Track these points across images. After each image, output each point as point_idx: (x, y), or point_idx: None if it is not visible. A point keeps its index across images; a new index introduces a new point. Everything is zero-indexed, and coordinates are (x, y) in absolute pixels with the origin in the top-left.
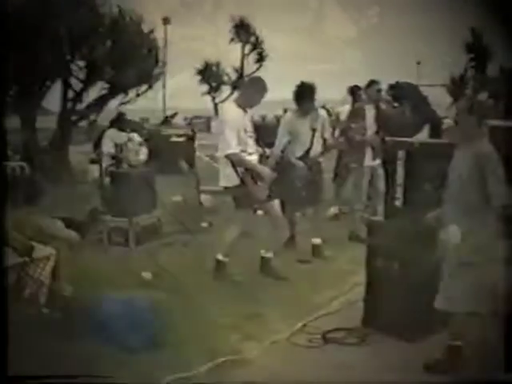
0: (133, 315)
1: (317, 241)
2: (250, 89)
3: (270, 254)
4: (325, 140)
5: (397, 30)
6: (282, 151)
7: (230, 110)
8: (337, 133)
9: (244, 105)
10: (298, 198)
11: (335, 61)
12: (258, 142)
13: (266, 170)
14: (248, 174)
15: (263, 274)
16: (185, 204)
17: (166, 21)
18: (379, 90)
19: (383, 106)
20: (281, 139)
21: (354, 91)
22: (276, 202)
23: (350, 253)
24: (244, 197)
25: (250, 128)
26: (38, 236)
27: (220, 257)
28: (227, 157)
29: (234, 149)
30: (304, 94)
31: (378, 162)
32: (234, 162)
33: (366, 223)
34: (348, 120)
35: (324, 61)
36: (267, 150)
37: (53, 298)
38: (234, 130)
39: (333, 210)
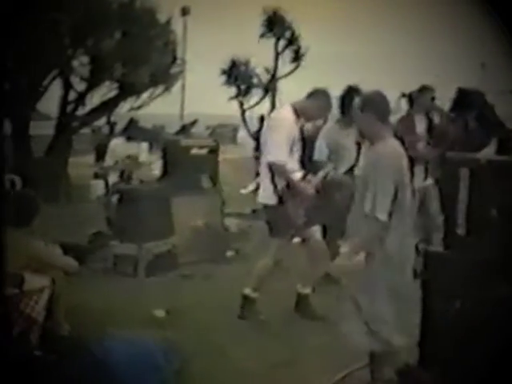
0: (141, 359)
1: None
2: (313, 101)
3: (307, 290)
4: None
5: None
6: (321, 168)
7: (285, 112)
8: None
9: (302, 113)
10: (343, 224)
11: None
12: (303, 156)
13: (308, 189)
14: (288, 192)
15: (299, 314)
16: (207, 229)
17: (184, 11)
18: (433, 98)
19: (437, 116)
20: (320, 154)
21: (408, 98)
22: (316, 228)
23: None
24: (281, 220)
25: (298, 138)
26: (29, 264)
27: (248, 292)
28: (270, 165)
29: (282, 157)
30: (350, 100)
31: (430, 181)
32: (276, 173)
33: (422, 254)
34: (397, 132)
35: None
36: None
37: (47, 338)
38: (285, 136)
39: None
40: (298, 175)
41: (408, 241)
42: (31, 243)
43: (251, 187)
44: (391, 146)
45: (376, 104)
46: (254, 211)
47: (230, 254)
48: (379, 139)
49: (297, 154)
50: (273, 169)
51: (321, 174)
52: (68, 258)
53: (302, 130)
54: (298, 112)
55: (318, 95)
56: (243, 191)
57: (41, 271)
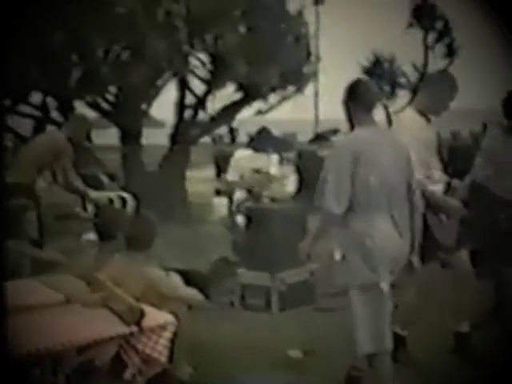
0: None
1: None
2: (434, 87)
3: (464, 328)
4: None
5: None
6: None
7: (409, 120)
8: None
9: (428, 110)
10: (504, 249)
11: None
12: (445, 167)
13: (456, 204)
14: (430, 211)
15: (456, 355)
16: None
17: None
18: None
19: None
20: (479, 169)
21: None
22: (463, 253)
23: None
24: (426, 243)
25: (434, 145)
26: (147, 295)
27: (399, 330)
28: None
29: (417, 172)
30: None
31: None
32: None
33: None
34: None
35: None
36: (456, 182)
37: (164, 383)
38: (414, 147)
39: None
40: (438, 188)
41: None
42: (149, 272)
43: None
44: None
45: None
46: None
47: None
48: None
49: (436, 164)
50: None
51: (467, 180)
52: (191, 290)
53: (439, 134)
54: (425, 111)
55: (439, 77)
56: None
57: (159, 304)
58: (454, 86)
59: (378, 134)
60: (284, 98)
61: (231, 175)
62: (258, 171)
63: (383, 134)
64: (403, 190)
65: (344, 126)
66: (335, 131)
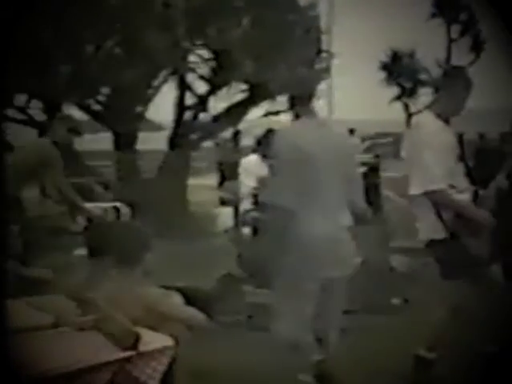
0: None
1: None
2: (451, 86)
3: (494, 349)
4: None
5: None
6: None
7: (428, 124)
8: None
9: (445, 112)
10: None
11: None
12: (470, 173)
13: (485, 215)
14: (460, 221)
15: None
16: (367, 268)
17: None
18: None
19: None
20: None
21: None
22: (495, 267)
23: None
24: (455, 258)
25: (457, 151)
26: (143, 316)
27: (422, 352)
28: (428, 196)
29: (439, 183)
30: None
31: None
32: (437, 203)
33: None
34: None
35: None
36: (484, 191)
37: None
38: (437, 154)
39: None
40: (465, 197)
41: None
42: (145, 291)
43: None
44: None
45: None
46: (428, 245)
47: (396, 301)
48: None
49: (460, 170)
50: (434, 199)
51: (492, 186)
52: (192, 310)
53: (459, 137)
54: (442, 113)
55: (454, 75)
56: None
57: (157, 326)
58: (470, 82)
59: (316, 126)
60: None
61: (240, 184)
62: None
63: (322, 126)
64: (342, 184)
65: (358, 125)
66: (350, 132)
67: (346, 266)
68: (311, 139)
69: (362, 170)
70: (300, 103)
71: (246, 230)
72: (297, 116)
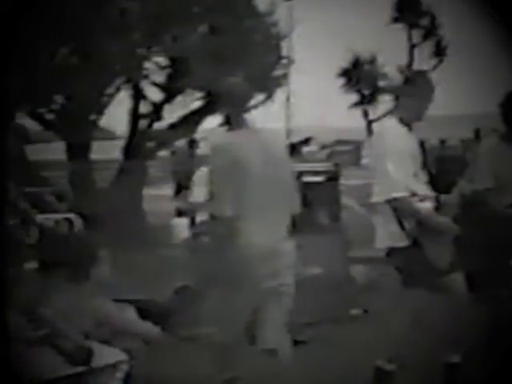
0: None
1: None
2: (413, 91)
3: (455, 359)
4: None
5: None
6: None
7: (392, 130)
8: None
9: (407, 118)
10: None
11: None
12: (432, 180)
13: (447, 223)
14: (421, 229)
15: None
16: (326, 279)
17: None
18: None
19: None
20: (479, 182)
21: None
22: (458, 276)
23: None
24: (416, 266)
25: (418, 157)
26: (96, 331)
27: (381, 363)
28: (389, 203)
29: (401, 190)
30: None
31: None
32: (399, 211)
33: None
34: None
35: None
36: (445, 197)
37: None
38: (399, 161)
39: None
40: (427, 204)
41: None
42: (99, 304)
43: None
44: None
45: None
46: (388, 254)
47: (355, 312)
48: None
49: (421, 178)
50: (396, 206)
51: (454, 193)
52: (147, 324)
53: (421, 144)
54: (405, 120)
55: (417, 79)
56: None
57: (112, 341)
58: (432, 87)
59: (250, 136)
60: (252, 106)
61: (195, 194)
62: None
63: (255, 136)
64: (281, 192)
65: (317, 133)
66: (307, 140)
67: (285, 276)
68: (246, 149)
69: (321, 178)
70: (235, 114)
71: (203, 240)
72: (231, 126)
